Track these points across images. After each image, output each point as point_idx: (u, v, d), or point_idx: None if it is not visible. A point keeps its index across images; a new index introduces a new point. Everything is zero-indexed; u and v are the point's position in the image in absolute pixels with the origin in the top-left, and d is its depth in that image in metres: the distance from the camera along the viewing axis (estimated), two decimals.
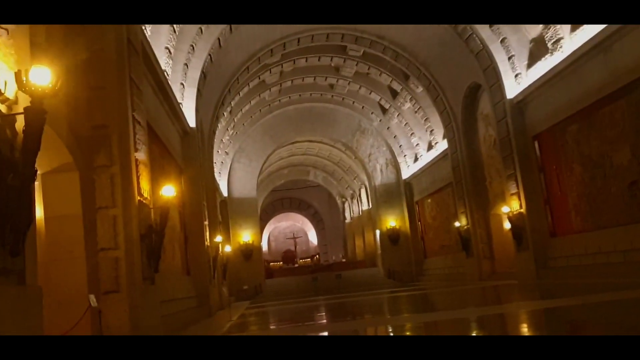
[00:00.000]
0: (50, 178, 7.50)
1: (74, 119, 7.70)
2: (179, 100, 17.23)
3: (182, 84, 17.63)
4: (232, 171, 32.69)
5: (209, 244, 18.43)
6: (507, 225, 23.26)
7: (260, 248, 33.87)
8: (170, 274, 13.84)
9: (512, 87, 19.59)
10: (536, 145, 18.95)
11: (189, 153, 17.77)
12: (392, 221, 32.97)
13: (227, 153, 31.70)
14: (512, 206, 19.83)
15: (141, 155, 8.83)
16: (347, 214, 49.24)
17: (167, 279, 13.17)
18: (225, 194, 31.88)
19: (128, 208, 8.02)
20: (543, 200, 18.76)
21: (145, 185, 8.86)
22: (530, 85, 18.57)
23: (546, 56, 17.84)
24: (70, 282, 7.42)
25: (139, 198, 8.44)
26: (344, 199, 49.05)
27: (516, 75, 19.55)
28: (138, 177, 8.53)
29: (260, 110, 31.20)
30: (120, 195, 7.95)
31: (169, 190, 8.92)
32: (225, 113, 26.54)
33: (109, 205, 7.87)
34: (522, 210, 19.32)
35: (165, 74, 15.68)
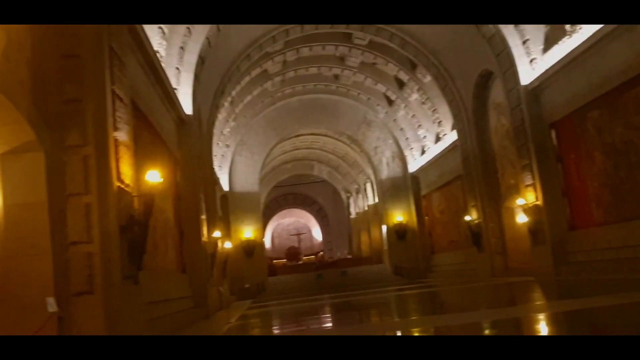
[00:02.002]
0: (10, 159, 6.46)
1: (40, 91, 6.66)
2: (175, 86, 16.20)
3: (177, 68, 16.60)
4: (233, 165, 31.66)
5: (206, 240, 17.40)
6: (520, 218, 22.21)
7: (262, 245, 32.87)
8: (163, 272, 12.83)
9: (527, 73, 18.47)
10: (553, 133, 17.84)
11: (185, 142, 16.73)
12: (398, 216, 31.89)
13: (228, 146, 30.66)
14: (527, 198, 18.73)
15: (122, 136, 7.78)
16: (352, 209, 48.20)
17: (158, 277, 12.16)
18: (226, 188, 30.88)
19: (104, 195, 6.98)
20: (561, 192, 17.66)
21: (127, 170, 7.82)
22: (546, 71, 17.46)
23: (564, 39, 16.70)
24: (34, 282, 6.38)
25: (118, 184, 7.40)
26: (349, 194, 48.00)
27: (531, 60, 18.42)
28: (118, 160, 7.49)
29: (262, 101, 30.15)
30: (95, 180, 6.90)
31: (153, 176, 7.88)
32: (225, 103, 25.52)
33: (81, 191, 6.82)
34: (538, 202, 18.22)
35: (159, 55, 14.64)
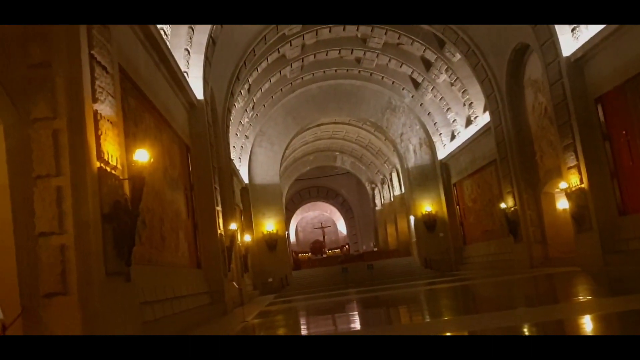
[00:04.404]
0: None
1: None
2: (184, 69, 15.08)
3: (186, 49, 15.45)
4: (252, 156, 30.54)
5: (222, 233, 16.29)
6: (561, 205, 20.61)
7: (285, 238, 31.72)
8: (172, 267, 11.73)
9: (569, 44, 16.80)
10: (600, 108, 16.15)
11: (196, 129, 15.59)
12: (427, 206, 30.35)
13: (247, 137, 29.54)
14: (570, 181, 17.09)
15: (105, 110, 6.60)
16: (377, 201, 46.77)
17: (166, 273, 11.08)
18: (246, 180, 29.80)
19: (81, 177, 5.81)
20: (609, 173, 16.00)
21: (111, 149, 6.64)
22: (592, 39, 15.75)
23: None
24: None
25: (99, 165, 6.22)
26: (373, 185, 46.56)
27: (573, 29, 16.74)
28: (98, 137, 6.31)
29: (281, 89, 28.90)
30: (68, 159, 5.74)
31: (142, 156, 6.69)
32: (242, 91, 24.35)
33: (51, 173, 5.67)
34: (583, 185, 16.59)
35: (164, 34, 13.54)
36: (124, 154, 7.13)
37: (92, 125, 6.15)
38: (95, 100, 6.34)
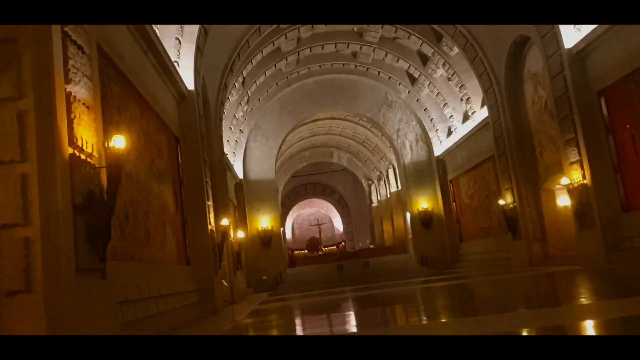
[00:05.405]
0: None
1: None
2: (174, 58, 14.55)
3: (177, 38, 14.90)
4: (247, 151, 29.99)
5: (214, 229, 15.77)
6: (561, 201, 20.19)
7: (280, 234, 31.20)
8: (158, 263, 11.20)
9: (571, 35, 16.36)
10: (603, 102, 15.71)
11: (186, 120, 15.04)
12: (423, 203, 29.90)
13: (241, 131, 29.00)
14: (572, 177, 16.65)
15: (80, 92, 6.07)
16: (373, 198, 46.31)
17: (151, 270, 10.56)
18: (240, 176, 29.26)
19: (49, 164, 5.28)
20: (613, 168, 15.58)
21: (86, 135, 6.11)
22: (595, 29, 15.31)
23: None
24: None
25: (71, 151, 5.70)
26: (370, 182, 46.11)
27: None
28: (71, 121, 5.79)
29: (276, 83, 28.37)
30: (35, 143, 5.22)
31: (119, 142, 6.18)
32: (236, 84, 23.82)
33: (15, 158, 5.15)
34: (585, 181, 16.15)
35: None
36: (101, 141, 6.61)
37: (63, 108, 5.62)
38: (68, 81, 5.81)
